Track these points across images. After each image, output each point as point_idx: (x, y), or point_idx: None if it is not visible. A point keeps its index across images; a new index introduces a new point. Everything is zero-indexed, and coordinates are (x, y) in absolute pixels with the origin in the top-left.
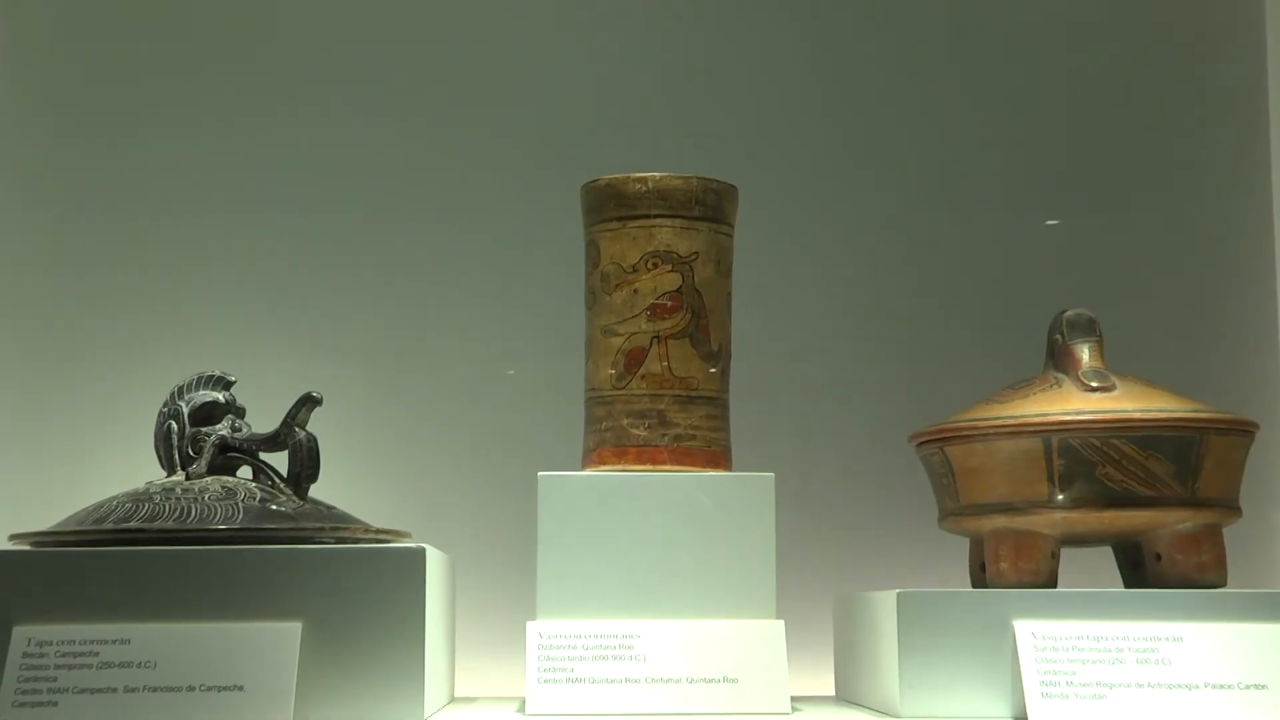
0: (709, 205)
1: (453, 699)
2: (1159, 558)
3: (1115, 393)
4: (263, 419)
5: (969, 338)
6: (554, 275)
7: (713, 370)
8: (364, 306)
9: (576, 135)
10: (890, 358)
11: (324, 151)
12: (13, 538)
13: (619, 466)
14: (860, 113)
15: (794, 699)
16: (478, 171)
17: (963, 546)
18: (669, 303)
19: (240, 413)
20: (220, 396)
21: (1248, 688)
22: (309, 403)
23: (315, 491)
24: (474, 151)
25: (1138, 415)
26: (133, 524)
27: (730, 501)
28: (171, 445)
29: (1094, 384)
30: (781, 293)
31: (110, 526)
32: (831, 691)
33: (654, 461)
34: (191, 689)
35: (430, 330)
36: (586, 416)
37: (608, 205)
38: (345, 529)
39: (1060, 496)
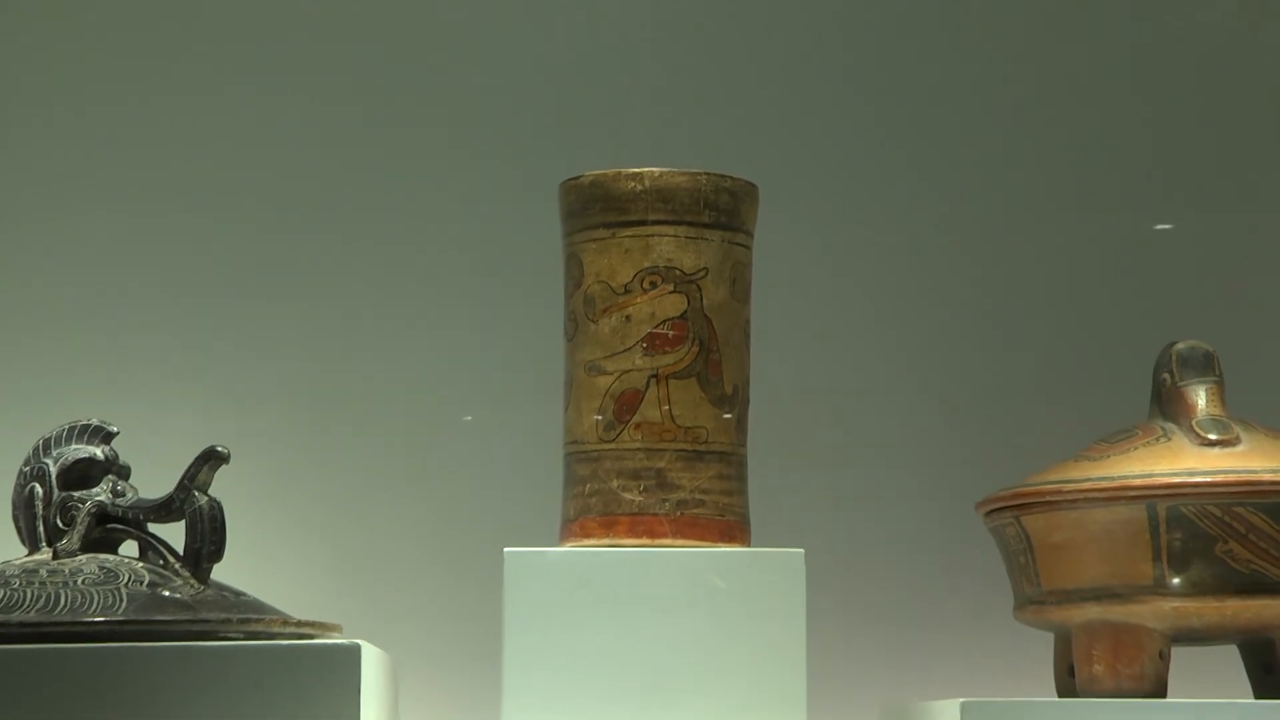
0: (721, 209)
1: None
2: None
3: (1240, 447)
4: (152, 481)
5: (1052, 377)
6: (524, 297)
7: (726, 417)
8: (282, 338)
9: (554, 121)
10: (951, 403)
11: (232, 144)
12: None
13: (607, 540)
14: (909, 92)
15: None
16: (425, 167)
17: (1045, 644)
18: (671, 332)
19: (124, 472)
20: (98, 452)
21: None
22: (212, 459)
23: (220, 573)
24: (420, 143)
25: (1269, 477)
26: None
27: (749, 585)
28: (35, 514)
29: (1213, 436)
30: (813, 320)
31: None
32: None
33: (652, 534)
34: None
35: (366, 368)
36: (566, 477)
37: (593, 208)
38: (258, 621)
39: (1171, 580)
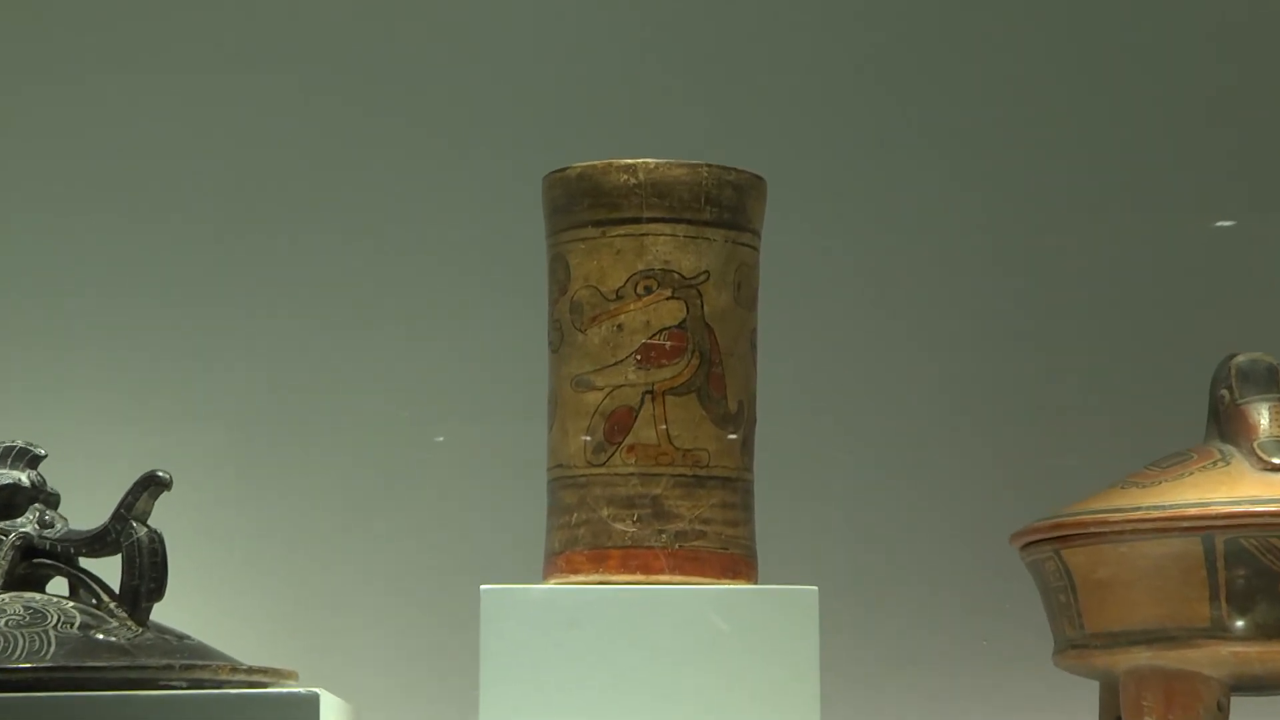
0: (725, 205)
1: None
2: None
3: None
4: (85, 509)
5: (1096, 394)
6: (503, 304)
7: (731, 438)
8: (231, 348)
9: (539, 109)
10: (983, 422)
11: (178, 138)
12: None
13: (596, 577)
14: (937, 75)
15: None
16: (393, 160)
17: (1090, 692)
18: (668, 343)
19: (52, 500)
20: (23, 477)
21: None
22: (152, 486)
23: (160, 613)
24: (387, 134)
25: None
26: None
27: (757, 626)
28: None
29: (1277, 460)
30: (828, 330)
31: None
32: None
33: (647, 570)
34: None
35: (325, 382)
36: (550, 505)
37: (581, 204)
38: (204, 668)
39: (1231, 622)
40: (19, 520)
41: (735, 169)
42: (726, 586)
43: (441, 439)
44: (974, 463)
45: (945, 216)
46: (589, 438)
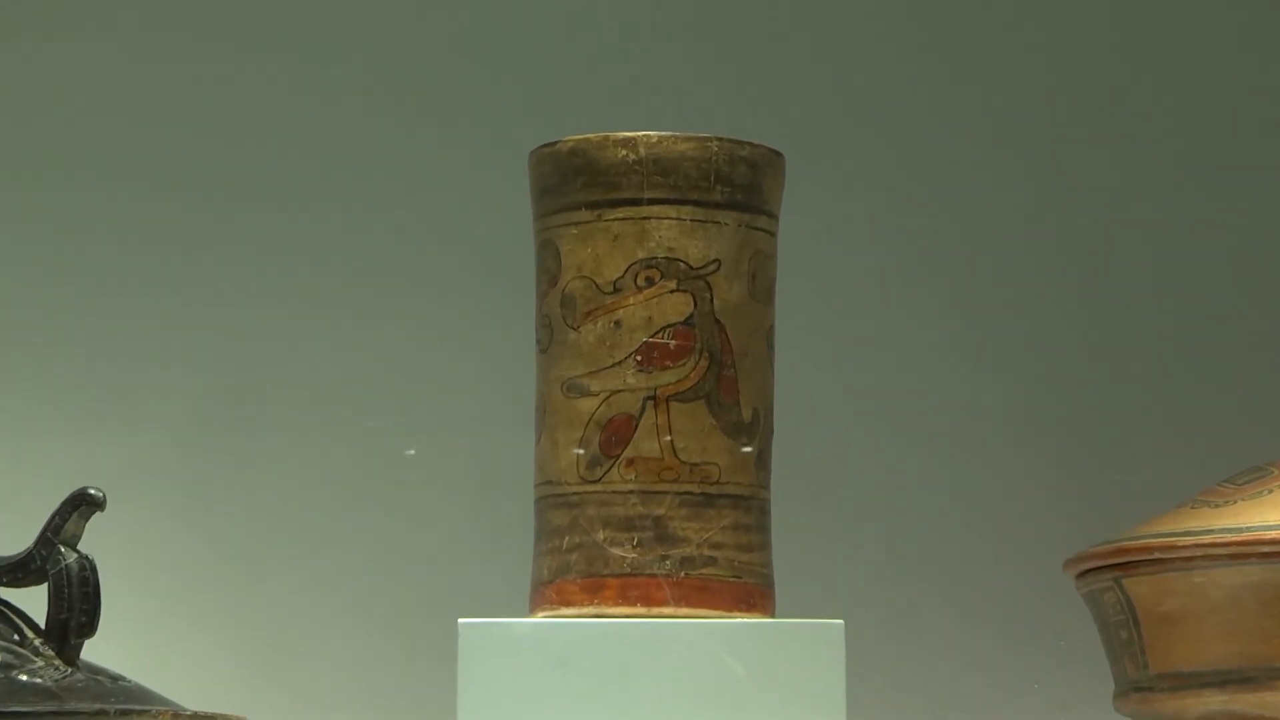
0: (738, 184)
1: None
2: None
3: None
4: (5, 533)
5: (1163, 401)
6: (485, 297)
7: (745, 451)
8: (175, 347)
9: (529, 77)
10: (1033, 433)
11: (111, 111)
12: None
13: (591, 609)
14: (984, 28)
15: None
16: (357, 132)
17: None
18: (673, 342)
19: None
20: None
21: None
22: (83, 506)
23: (92, 651)
24: (351, 102)
25: None
26: None
27: (775, 665)
28: None
29: None
30: (855, 327)
31: None
32: None
33: (649, 601)
34: None
35: (283, 387)
36: (538, 528)
37: (574, 183)
38: (141, 713)
39: None
40: None
41: (750, 143)
42: (740, 620)
43: (413, 452)
44: (1023, 479)
45: (992, 201)
46: (582, 450)
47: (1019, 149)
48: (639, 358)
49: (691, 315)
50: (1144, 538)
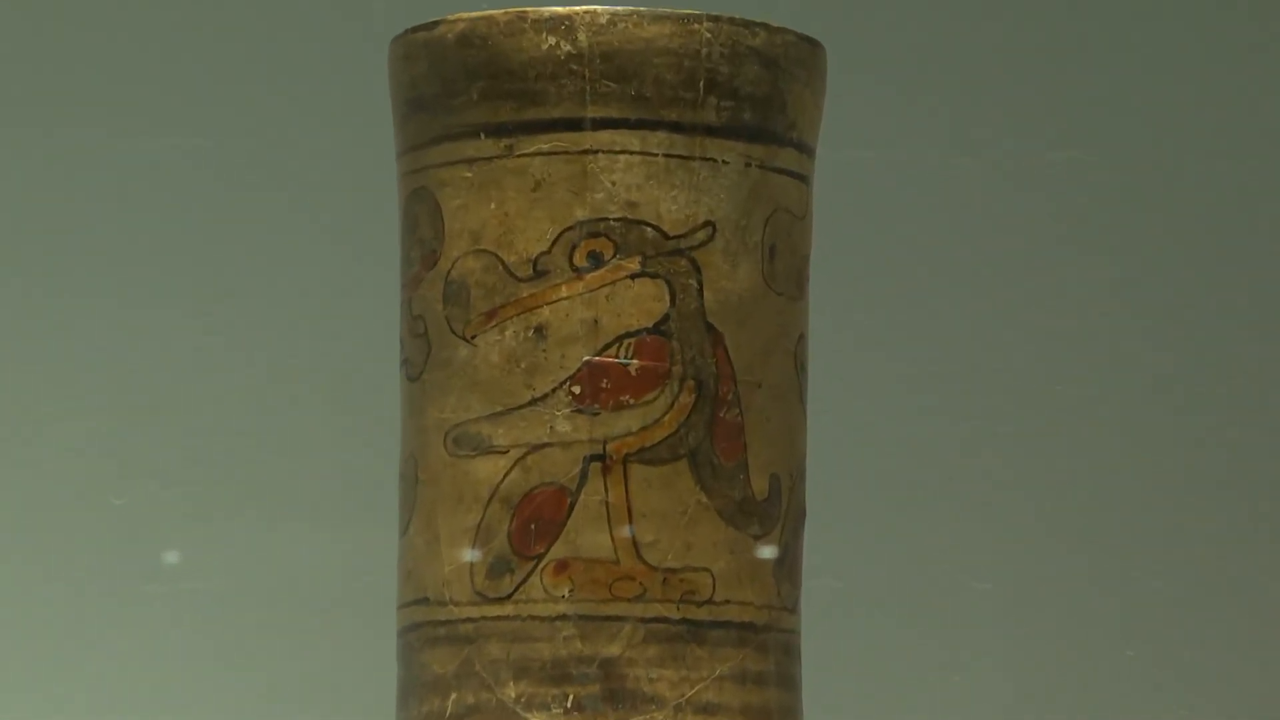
0: (745, 95)
1: None
2: None
3: None
4: None
5: None
6: (307, 284)
7: (762, 552)
8: None
9: None
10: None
11: None
12: None
13: None
14: None
15: None
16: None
17: None
18: (635, 362)
19: None
20: None
21: None
22: None
23: None
24: None
25: None
26: None
27: None
28: None
29: None
30: (938, 332)
31: None
32: None
33: None
34: None
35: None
36: (404, 678)
37: (465, 94)
38: None
39: None
40: None
41: (765, 25)
42: None
43: (122, 501)
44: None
45: (1128, 137)
46: (477, 550)
47: (1117, 77)
48: (576, 389)
49: (666, 317)
50: None
